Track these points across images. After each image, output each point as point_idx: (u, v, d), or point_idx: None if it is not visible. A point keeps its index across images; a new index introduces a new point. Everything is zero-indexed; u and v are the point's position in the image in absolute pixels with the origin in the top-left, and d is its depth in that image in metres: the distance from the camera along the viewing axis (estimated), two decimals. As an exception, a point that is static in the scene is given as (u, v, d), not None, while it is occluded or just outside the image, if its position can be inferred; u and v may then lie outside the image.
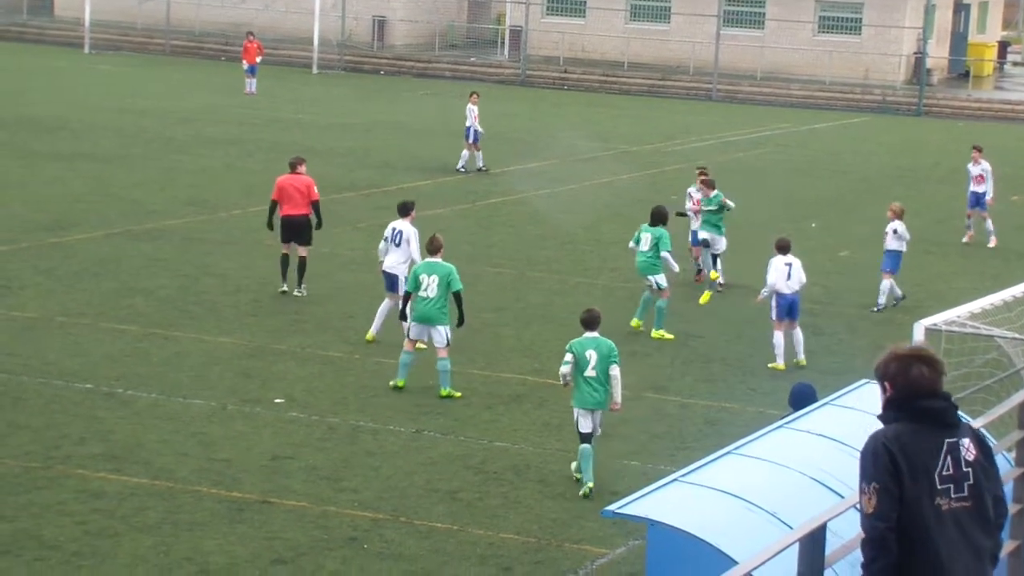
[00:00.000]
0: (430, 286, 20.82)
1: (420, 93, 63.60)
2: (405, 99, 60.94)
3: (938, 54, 71.79)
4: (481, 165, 41.65)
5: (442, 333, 20.96)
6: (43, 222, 31.52)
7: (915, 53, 68.87)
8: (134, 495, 16.83)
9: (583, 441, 17.86)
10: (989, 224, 34.75)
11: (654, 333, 24.98)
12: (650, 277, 25.22)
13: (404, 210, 23.89)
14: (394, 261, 23.57)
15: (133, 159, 40.89)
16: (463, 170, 41.23)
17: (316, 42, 69.39)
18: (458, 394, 21.06)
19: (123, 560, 15.13)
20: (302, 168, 26.49)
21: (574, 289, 28.47)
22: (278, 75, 63.93)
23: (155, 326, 23.91)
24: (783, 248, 24.06)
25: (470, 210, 35.35)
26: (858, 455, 7.87)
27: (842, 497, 10.94)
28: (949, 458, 7.75)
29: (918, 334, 18.55)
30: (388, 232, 23.74)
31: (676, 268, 25.54)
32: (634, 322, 25.38)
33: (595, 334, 18.19)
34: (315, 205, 26.34)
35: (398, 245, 23.58)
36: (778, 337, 23.65)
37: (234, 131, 45.09)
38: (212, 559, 15.27)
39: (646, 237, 25.29)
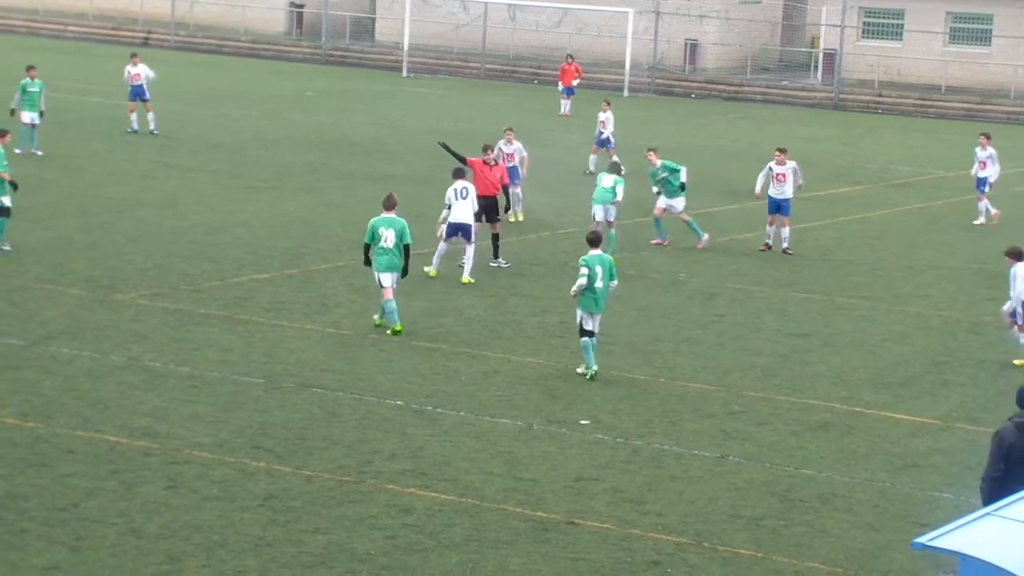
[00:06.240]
0: (388, 238, 24.18)
1: (731, 116, 63.38)
2: (716, 123, 60.82)
3: None
4: (592, 169, 43.24)
5: (395, 278, 24.40)
6: (359, 241, 32.08)
7: None
8: (441, 511, 17.12)
9: (584, 335, 22.32)
10: None
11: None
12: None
13: (460, 173, 29.22)
14: (462, 213, 28.49)
15: (446, 181, 41.47)
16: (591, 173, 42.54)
17: (628, 65, 69.76)
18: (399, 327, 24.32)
19: (431, 575, 15.39)
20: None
21: (884, 316, 27.99)
22: (590, 98, 64.36)
23: (464, 345, 24.31)
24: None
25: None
26: None
27: None
28: None
29: None
30: (452, 193, 28.65)
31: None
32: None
33: (599, 251, 22.49)
34: (504, 188, 31.73)
35: (464, 199, 28.63)
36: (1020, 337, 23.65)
37: (547, 153, 45.51)
38: (516, 577, 15.43)
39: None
